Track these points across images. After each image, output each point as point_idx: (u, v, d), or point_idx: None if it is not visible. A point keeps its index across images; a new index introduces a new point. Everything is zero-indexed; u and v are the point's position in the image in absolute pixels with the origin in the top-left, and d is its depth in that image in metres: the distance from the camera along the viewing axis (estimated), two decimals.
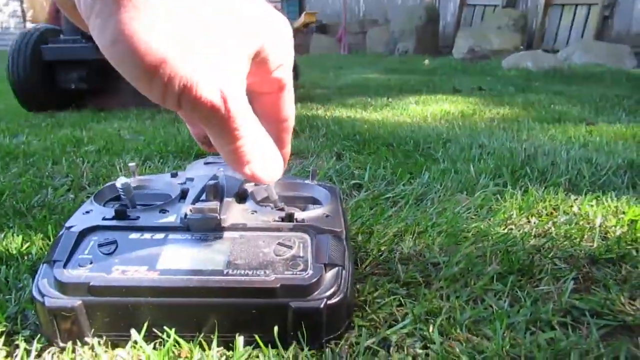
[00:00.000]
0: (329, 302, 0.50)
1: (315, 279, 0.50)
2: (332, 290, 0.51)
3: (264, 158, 0.34)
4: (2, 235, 0.77)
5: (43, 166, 1.26)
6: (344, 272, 0.53)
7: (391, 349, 0.50)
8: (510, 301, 0.58)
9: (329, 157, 1.29)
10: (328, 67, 4.56)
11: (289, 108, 0.37)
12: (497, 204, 0.93)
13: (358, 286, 0.62)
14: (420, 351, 0.50)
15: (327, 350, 0.50)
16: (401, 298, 0.60)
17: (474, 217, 0.88)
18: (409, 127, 1.77)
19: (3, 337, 0.52)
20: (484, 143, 1.44)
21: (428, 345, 0.51)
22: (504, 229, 0.81)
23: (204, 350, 0.49)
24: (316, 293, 0.50)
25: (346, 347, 0.51)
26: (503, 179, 1.08)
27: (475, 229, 0.80)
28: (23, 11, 13.81)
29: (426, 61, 5.58)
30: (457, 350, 0.49)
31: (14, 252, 0.70)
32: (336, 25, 8.89)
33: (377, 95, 2.75)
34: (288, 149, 0.41)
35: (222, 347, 0.50)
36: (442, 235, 0.77)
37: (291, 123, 0.39)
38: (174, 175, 0.73)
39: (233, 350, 0.49)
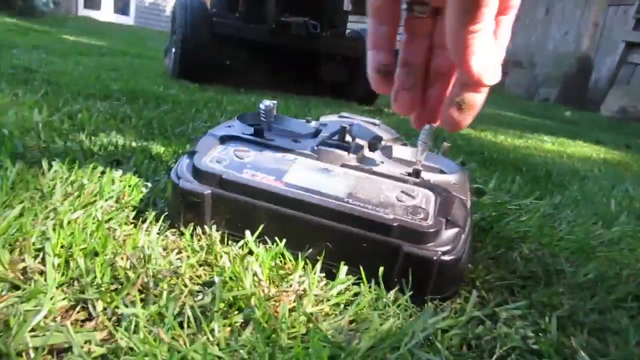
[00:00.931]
0: (442, 257, 0.47)
1: (434, 230, 0.48)
2: (448, 247, 0.48)
3: (490, 58, 0.32)
4: (147, 143, 0.86)
5: (187, 111, 1.38)
6: (463, 235, 0.51)
7: (499, 323, 0.46)
8: None
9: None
10: None
11: (505, 35, 0.35)
12: (638, 242, 0.82)
13: (470, 265, 0.58)
14: (531, 334, 0.45)
15: (430, 305, 0.47)
16: (515, 287, 0.55)
17: (608, 247, 0.78)
18: (542, 159, 1.65)
19: (135, 212, 0.57)
20: (629, 190, 1.29)
21: (541, 333, 0.46)
22: None
23: (305, 269, 0.49)
24: (432, 244, 0.48)
25: (450, 307, 0.48)
26: None
27: (608, 255, 0.71)
28: None
29: (568, 112, 5.19)
30: (574, 344, 0.44)
31: (155, 154, 0.77)
32: None
33: (509, 128, 2.62)
34: None
35: (324, 273, 0.50)
36: (569, 250, 0.70)
37: (502, 51, 0.36)
38: (308, 122, 0.75)
39: (334, 280, 0.49)
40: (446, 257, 0.48)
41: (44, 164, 0.63)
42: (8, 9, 5.94)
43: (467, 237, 0.51)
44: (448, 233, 0.50)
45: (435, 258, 0.47)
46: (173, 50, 2.48)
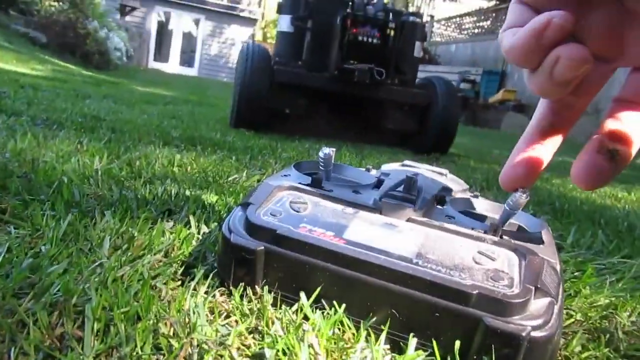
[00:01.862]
0: (532, 333, 0.40)
1: (521, 300, 0.41)
2: (539, 321, 0.41)
3: None
4: (202, 192, 0.84)
5: (242, 158, 1.37)
6: (556, 307, 0.43)
7: None
8: None
9: None
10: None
11: None
12: None
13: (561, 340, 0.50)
14: None
15: None
16: None
17: None
18: (620, 211, 1.50)
19: (183, 267, 0.53)
20: None
21: None
22: None
23: (367, 341, 0.43)
24: (519, 317, 0.41)
25: None
26: None
27: None
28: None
29: None
30: None
31: (208, 204, 0.75)
32: (535, 106, 8.43)
33: None
34: None
35: (388, 345, 0.43)
36: None
37: None
38: (368, 170, 0.70)
39: (400, 353, 0.42)
40: (537, 333, 0.40)
41: (97, 214, 0.61)
42: (87, 63, 6.46)
43: (560, 308, 0.43)
44: (538, 304, 0.42)
45: (524, 334, 0.39)
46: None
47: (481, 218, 0.58)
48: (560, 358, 0.47)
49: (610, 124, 0.29)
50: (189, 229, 0.63)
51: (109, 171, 0.90)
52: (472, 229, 0.51)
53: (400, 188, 0.56)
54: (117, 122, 1.71)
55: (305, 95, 2.37)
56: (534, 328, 0.40)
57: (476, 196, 0.64)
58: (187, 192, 0.81)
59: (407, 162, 0.72)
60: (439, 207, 0.56)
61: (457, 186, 0.64)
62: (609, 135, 0.29)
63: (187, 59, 15.07)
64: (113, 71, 6.77)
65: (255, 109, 2.25)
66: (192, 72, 14.66)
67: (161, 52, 14.06)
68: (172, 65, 14.16)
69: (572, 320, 0.57)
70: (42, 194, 0.71)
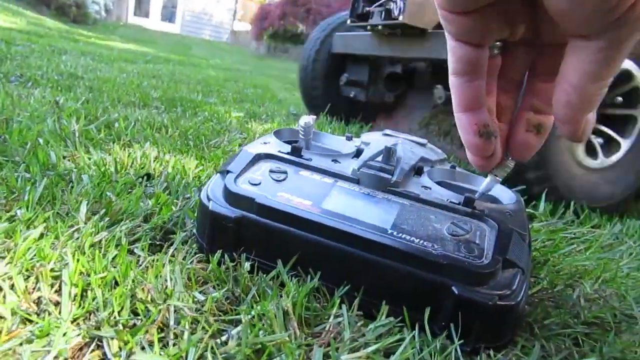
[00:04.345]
0: (499, 302, 0.42)
1: (490, 270, 0.43)
2: (506, 290, 0.43)
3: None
4: (182, 157, 0.83)
5: (224, 120, 1.36)
6: (522, 277, 0.45)
7: None
8: None
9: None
10: None
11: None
12: None
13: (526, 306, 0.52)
14: None
15: (482, 355, 0.41)
16: (579, 336, 0.48)
17: None
18: None
19: (162, 232, 0.54)
20: None
21: None
22: None
23: (340, 308, 0.44)
24: (486, 287, 0.42)
25: (505, 359, 0.42)
26: None
27: None
28: (235, 11, 15.61)
29: None
30: None
31: (188, 170, 0.75)
32: None
33: None
34: None
35: (362, 312, 0.45)
36: (638, 290, 0.62)
37: None
38: (349, 139, 0.70)
39: (373, 319, 0.44)
40: (503, 303, 0.42)
41: (74, 178, 0.61)
42: (63, 17, 6.21)
43: (526, 279, 0.45)
44: (505, 274, 0.44)
45: (490, 303, 0.41)
46: None
47: (457, 189, 0.60)
48: (524, 324, 0.49)
49: (530, 100, 0.33)
50: (168, 194, 0.63)
51: (87, 133, 0.89)
52: (447, 200, 0.52)
53: (379, 158, 0.56)
54: (96, 81, 1.67)
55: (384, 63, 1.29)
56: (501, 297, 0.42)
57: (454, 167, 0.65)
58: (167, 157, 0.81)
59: (387, 131, 0.72)
60: (416, 177, 0.57)
61: (435, 156, 0.65)
62: (534, 110, 0.33)
63: (168, 14, 14.56)
64: (91, 26, 6.53)
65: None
66: (173, 28, 14.20)
67: (141, 7, 13.57)
68: (153, 21, 13.69)
69: (539, 287, 0.60)
70: (16, 156, 0.69)
